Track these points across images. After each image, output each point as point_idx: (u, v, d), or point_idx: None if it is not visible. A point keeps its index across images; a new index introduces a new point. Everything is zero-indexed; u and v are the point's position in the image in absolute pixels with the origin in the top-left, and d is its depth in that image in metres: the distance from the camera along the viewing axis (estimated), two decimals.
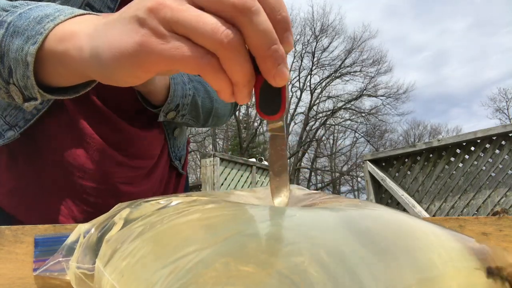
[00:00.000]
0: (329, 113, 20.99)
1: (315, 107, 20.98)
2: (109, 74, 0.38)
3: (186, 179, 0.91)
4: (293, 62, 20.67)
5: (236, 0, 0.32)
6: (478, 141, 3.82)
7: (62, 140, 0.69)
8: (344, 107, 20.98)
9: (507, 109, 22.39)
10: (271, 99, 0.36)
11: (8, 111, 0.67)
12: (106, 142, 0.71)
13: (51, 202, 0.69)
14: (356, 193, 23.02)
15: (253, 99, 0.37)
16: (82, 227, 0.40)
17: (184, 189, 0.90)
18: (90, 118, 0.70)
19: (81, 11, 0.46)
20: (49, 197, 0.69)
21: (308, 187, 20.73)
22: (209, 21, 0.32)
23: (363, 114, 21.03)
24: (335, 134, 22.42)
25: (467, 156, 3.89)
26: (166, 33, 0.33)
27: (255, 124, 20.86)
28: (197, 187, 7.25)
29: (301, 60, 20.53)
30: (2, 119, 0.67)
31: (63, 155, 0.69)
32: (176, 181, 0.86)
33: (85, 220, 0.50)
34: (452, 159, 3.99)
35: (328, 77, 20.66)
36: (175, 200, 0.35)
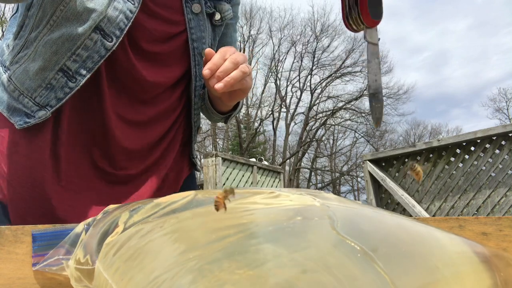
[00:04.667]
0: (329, 113, 20.97)
1: (315, 107, 20.96)
2: None
3: (193, 177, 0.95)
4: (293, 62, 20.67)
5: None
6: (478, 141, 3.81)
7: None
8: (344, 107, 20.97)
9: (507, 109, 22.39)
10: (375, 6, 0.41)
11: (38, 92, 0.69)
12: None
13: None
14: (356, 193, 23.00)
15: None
16: (84, 224, 0.41)
17: (192, 186, 0.94)
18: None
19: None
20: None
21: (308, 187, 20.69)
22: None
23: (363, 114, 21.01)
24: (335, 134, 22.42)
25: (467, 156, 3.89)
26: None
27: (255, 124, 20.85)
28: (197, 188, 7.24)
29: (301, 60, 20.52)
30: (31, 100, 0.69)
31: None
32: (187, 179, 0.91)
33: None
34: (452, 159, 3.98)
35: (328, 77, 20.64)
36: (174, 204, 0.35)
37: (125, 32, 0.70)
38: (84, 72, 0.69)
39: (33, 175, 0.69)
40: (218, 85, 0.69)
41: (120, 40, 0.70)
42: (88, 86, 0.70)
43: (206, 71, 0.69)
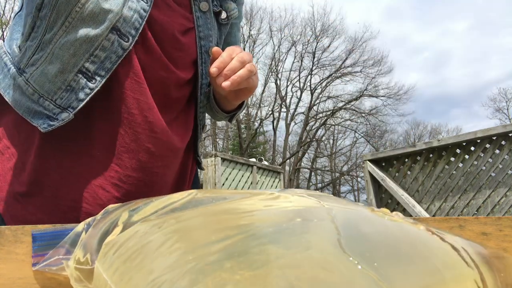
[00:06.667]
0: (329, 113, 20.98)
1: (315, 107, 20.98)
2: None
3: (197, 177, 0.96)
4: (293, 62, 20.67)
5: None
6: (478, 141, 3.81)
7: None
8: (344, 107, 20.98)
9: (507, 109, 22.43)
10: None
11: (59, 94, 0.69)
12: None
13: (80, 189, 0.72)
14: (356, 193, 23.02)
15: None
16: (84, 224, 0.41)
17: (195, 184, 0.96)
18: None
19: None
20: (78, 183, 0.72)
21: (308, 187, 20.71)
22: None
23: (363, 115, 21.03)
24: (335, 134, 22.44)
25: (467, 156, 3.89)
26: None
27: (255, 124, 20.86)
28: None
29: (301, 60, 20.53)
30: (52, 103, 0.69)
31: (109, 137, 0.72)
32: (191, 176, 0.92)
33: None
34: (452, 159, 3.98)
35: (328, 77, 20.66)
36: (173, 204, 0.35)
37: (140, 31, 0.71)
38: (103, 72, 0.69)
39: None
40: (225, 83, 0.70)
41: (136, 39, 0.70)
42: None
43: (213, 69, 0.71)
